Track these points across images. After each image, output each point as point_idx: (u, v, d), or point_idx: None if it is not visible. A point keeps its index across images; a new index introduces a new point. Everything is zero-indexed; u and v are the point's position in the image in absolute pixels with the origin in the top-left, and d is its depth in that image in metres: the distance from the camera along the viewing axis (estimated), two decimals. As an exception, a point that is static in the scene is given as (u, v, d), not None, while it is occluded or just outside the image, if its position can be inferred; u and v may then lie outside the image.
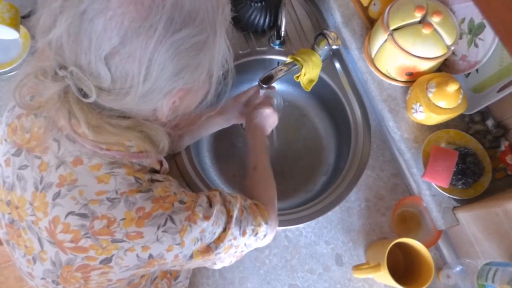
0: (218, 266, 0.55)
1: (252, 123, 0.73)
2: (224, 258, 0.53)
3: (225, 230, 0.49)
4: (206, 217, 0.47)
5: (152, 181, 0.46)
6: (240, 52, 0.92)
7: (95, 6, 0.35)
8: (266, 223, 0.57)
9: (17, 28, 0.84)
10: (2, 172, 0.48)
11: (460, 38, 0.72)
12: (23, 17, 0.90)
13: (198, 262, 0.50)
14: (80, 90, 0.38)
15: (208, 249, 0.48)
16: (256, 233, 0.55)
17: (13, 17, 0.83)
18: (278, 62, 0.93)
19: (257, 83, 0.76)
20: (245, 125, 0.77)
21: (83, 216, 0.42)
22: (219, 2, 0.42)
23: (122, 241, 0.43)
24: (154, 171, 0.50)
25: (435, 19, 0.69)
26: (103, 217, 0.42)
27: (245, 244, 0.54)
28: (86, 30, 0.36)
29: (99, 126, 0.40)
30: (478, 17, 0.68)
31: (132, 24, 0.35)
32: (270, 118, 0.74)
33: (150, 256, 0.44)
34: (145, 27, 0.36)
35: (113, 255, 0.43)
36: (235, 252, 0.54)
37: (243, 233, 0.52)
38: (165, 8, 0.36)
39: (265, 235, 0.57)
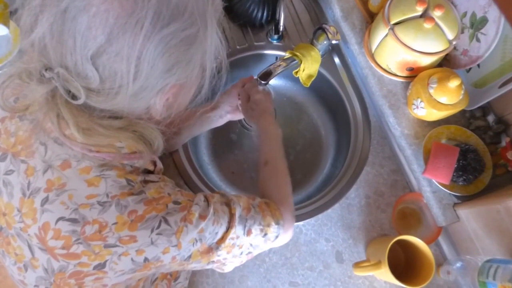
0: (228, 268, 0.53)
1: (256, 114, 0.70)
2: (230, 260, 0.51)
3: (228, 229, 0.48)
4: (203, 217, 0.45)
5: (146, 182, 0.45)
6: (238, 47, 0.90)
7: (76, 3, 0.33)
8: (278, 223, 0.54)
9: (6, 24, 0.81)
10: None
11: (462, 32, 0.71)
12: (14, 12, 0.87)
13: (201, 264, 0.48)
14: (68, 92, 0.37)
15: (209, 249, 0.47)
16: (265, 234, 0.52)
17: (1, 12, 0.80)
18: (277, 58, 0.92)
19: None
20: (247, 121, 0.75)
21: (73, 221, 0.41)
22: None
23: (115, 246, 0.41)
24: (148, 171, 0.48)
25: (436, 13, 0.68)
26: (95, 221, 0.41)
27: (251, 244, 0.51)
28: (69, 29, 0.34)
29: (90, 129, 0.39)
30: (480, 11, 0.67)
31: (117, 20, 0.34)
32: (264, 100, 0.72)
33: (146, 259, 0.43)
34: (131, 23, 0.34)
35: (106, 261, 0.42)
36: (241, 254, 0.51)
37: (248, 233, 0.50)
38: (151, 2, 0.34)
39: (276, 236, 0.54)
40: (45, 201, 0.42)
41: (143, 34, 0.35)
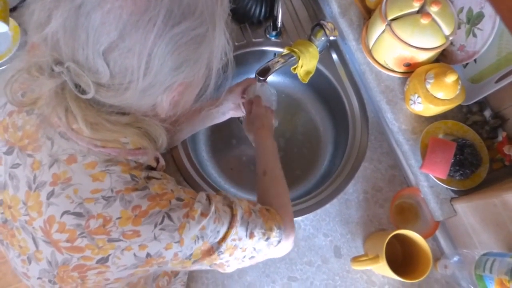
0: (230, 269, 0.53)
1: (254, 128, 0.73)
2: (232, 262, 0.51)
3: (229, 229, 0.48)
4: (204, 214, 0.46)
5: (149, 178, 0.45)
6: (236, 43, 0.91)
7: (91, 0, 0.34)
8: (279, 228, 0.55)
9: (6, 21, 0.82)
10: None
11: (459, 28, 0.71)
12: (12, 10, 0.88)
13: (203, 266, 0.49)
14: (78, 86, 0.37)
15: (211, 249, 0.47)
16: (268, 238, 0.53)
17: (2, 9, 0.81)
18: (275, 54, 0.92)
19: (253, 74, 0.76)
20: (244, 125, 0.78)
21: (78, 215, 0.42)
22: None
23: (119, 240, 0.42)
24: (150, 168, 0.49)
25: (433, 9, 0.68)
26: (99, 216, 0.41)
27: (254, 248, 0.52)
28: (83, 25, 0.35)
29: (97, 123, 0.39)
30: (476, 7, 0.67)
31: (130, 17, 0.34)
32: (265, 116, 0.74)
33: (148, 254, 0.43)
34: (144, 21, 0.35)
35: (109, 255, 0.42)
36: (244, 257, 0.51)
37: (251, 236, 0.50)
38: (164, 1, 0.35)
39: (279, 241, 0.55)
40: (50, 194, 0.42)
41: (155, 32, 0.35)
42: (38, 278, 0.46)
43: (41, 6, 0.36)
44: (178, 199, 0.45)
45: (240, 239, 0.49)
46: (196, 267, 0.49)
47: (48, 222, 0.42)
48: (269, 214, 0.55)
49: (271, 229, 0.53)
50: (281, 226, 0.55)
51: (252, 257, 0.53)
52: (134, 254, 0.43)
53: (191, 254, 0.46)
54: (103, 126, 0.40)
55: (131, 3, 0.34)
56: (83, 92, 0.37)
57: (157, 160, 0.51)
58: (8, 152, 0.46)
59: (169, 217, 0.43)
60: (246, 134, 0.78)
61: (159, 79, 0.39)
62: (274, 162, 0.67)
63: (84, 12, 0.34)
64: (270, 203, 0.60)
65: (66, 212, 0.42)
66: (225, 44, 0.44)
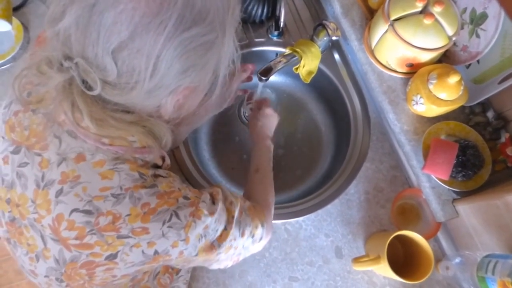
0: (214, 266, 0.54)
1: (257, 126, 0.75)
2: (222, 260, 0.53)
3: (226, 228, 0.49)
4: (211, 213, 0.47)
5: (156, 176, 0.46)
6: (238, 43, 0.90)
7: None
8: (263, 225, 0.57)
9: (9, 20, 0.82)
10: (0, 170, 0.47)
11: (462, 28, 0.71)
12: (15, 9, 0.88)
13: (199, 261, 0.49)
14: (85, 82, 0.38)
15: (212, 247, 0.48)
16: (253, 235, 0.55)
17: (5, 8, 0.81)
18: (277, 54, 0.92)
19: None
20: (249, 130, 0.79)
21: (87, 212, 0.42)
22: (230, 2, 0.42)
23: (128, 237, 0.42)
24: (156, 166, 0.49)
25: (436, 9, 0.68)
26: (108, 213, 0.42)
27: (243, 246, 0.53)
28: (95, 23, 0.35)
29: (102, 120, 0.40)
30: (480, 7, 0.67)
31: (142, 19, 0.35)
32: (271, 117, 0.77)
33: (156, 252, 0.44)
34: (155, 23, 0.36)
35: (118, 251, 0.43)
36: (233, 254, 0.53)
37: (242, 234, 0.52)
38: (177, 6, 0.36)
39: (260, 238, 0.57)
40: (59, 193, 0.43)
41: (165, 35, 0.36)
42: (45, 276, 0.47)
43: (57, 1, 0.37)
44: (185, 197, 0.46)
45: (235, 239, 0.51)
46: (194, 264, 0.50)
47: (57, 220, 0.43)
48: (255, 211, 0.57)
49: (256, 227, 0.55)
50: (264, 223, 0.57)
51: (240, 253, 0.55)
52: (143, 251, 0.43)
53: (196, 253, 0.47)
54: (107, 122, 0.40)
55: (144, 5, 0.35)
56: (90, 88, 0.38)
57: (163, 159, 0.51)
58: (15, 152, 0.46)
59: (177, 215, 0.44)
60: (247, 128, 0.79)
61: (165, 81, 0.40)
62: (267, 162, 0.70)
63: (97, 11, 0.35)
64: (256, 199, 0.62)
65: (75, 210, 0.42)
66: (233, 51, 0.45)
